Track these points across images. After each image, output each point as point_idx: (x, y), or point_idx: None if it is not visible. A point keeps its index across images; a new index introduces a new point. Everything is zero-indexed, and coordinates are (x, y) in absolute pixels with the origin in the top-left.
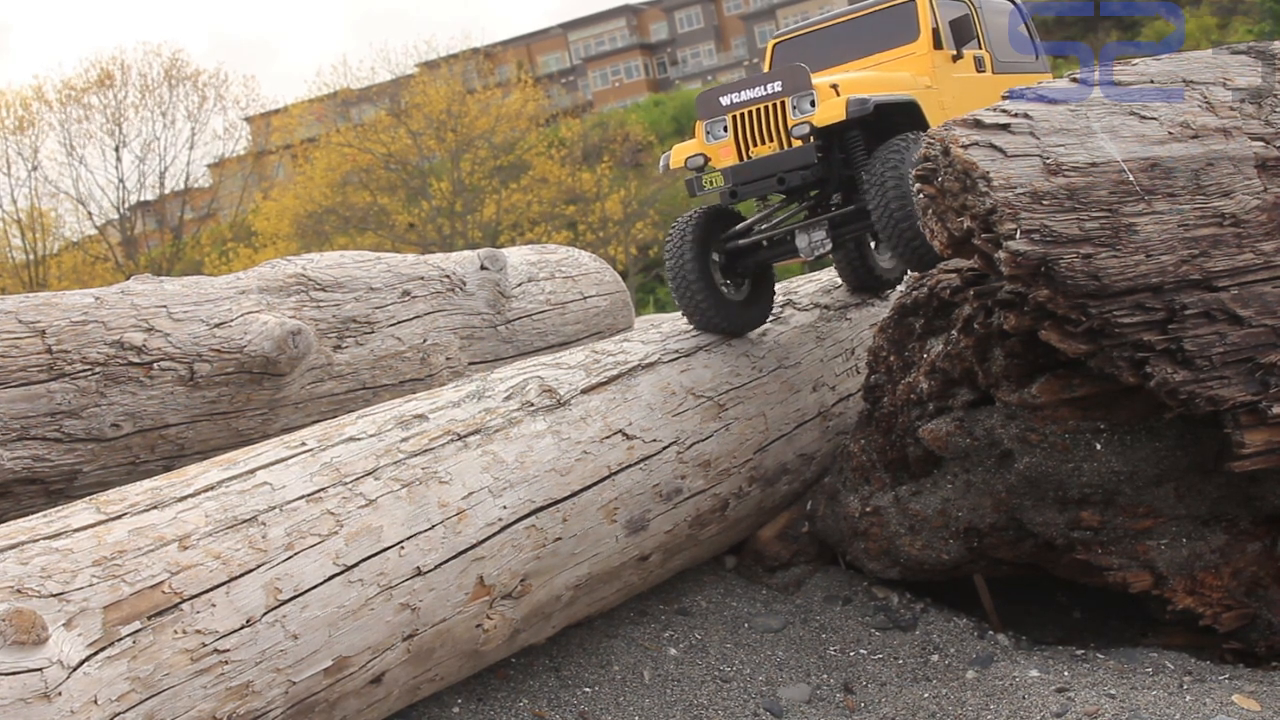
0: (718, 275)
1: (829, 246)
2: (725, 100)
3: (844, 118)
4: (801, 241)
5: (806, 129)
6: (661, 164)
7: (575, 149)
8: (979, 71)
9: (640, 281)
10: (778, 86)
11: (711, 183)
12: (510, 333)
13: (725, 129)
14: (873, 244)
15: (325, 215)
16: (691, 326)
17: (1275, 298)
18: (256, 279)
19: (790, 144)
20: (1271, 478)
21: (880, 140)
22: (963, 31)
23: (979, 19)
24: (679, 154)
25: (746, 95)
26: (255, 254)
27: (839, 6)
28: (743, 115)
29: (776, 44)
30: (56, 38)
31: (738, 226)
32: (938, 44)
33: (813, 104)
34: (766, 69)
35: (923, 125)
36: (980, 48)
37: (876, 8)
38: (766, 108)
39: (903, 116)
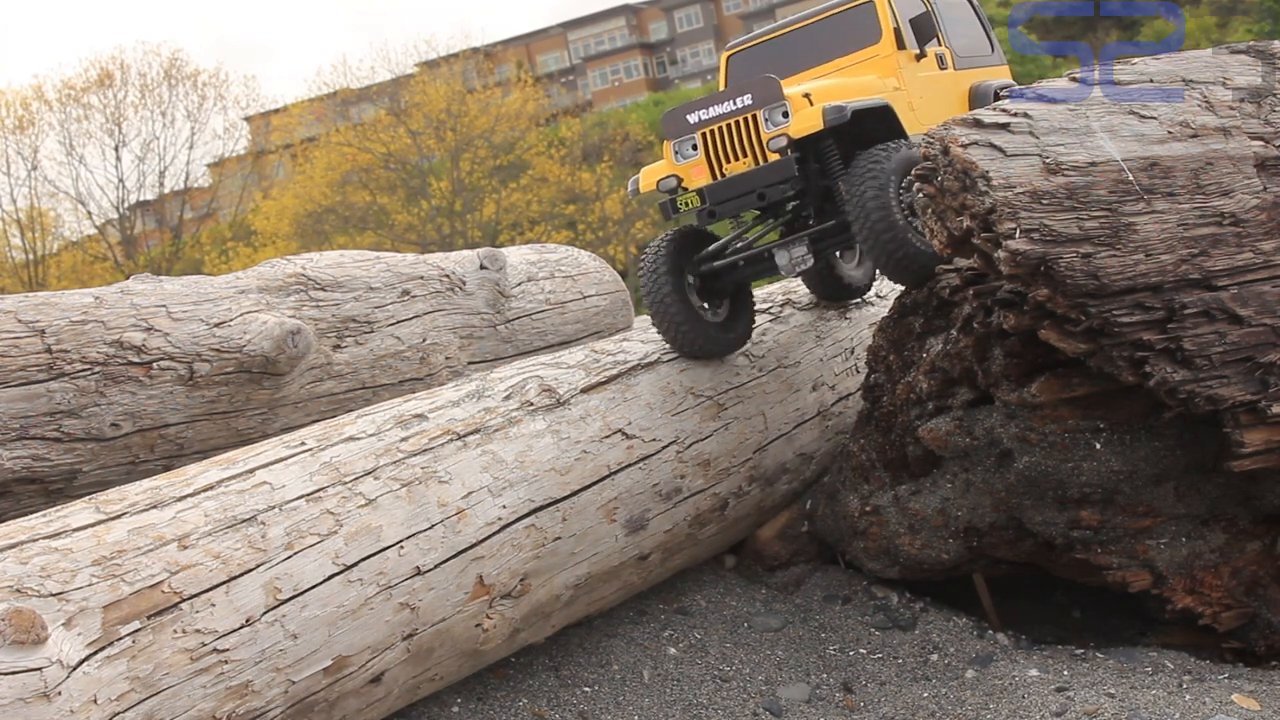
0: (695, 298)
1: (811, 262)
2: (693, 118)
3: (822, 127)
4: (782, 259)
5: (784, 141)
6: (630, 188)
7: (575, 148)
8: (941, 69)
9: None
10: (748, 100)
11: (687, 204)
12: (510, 332)
13: (695, 147)
14: (838, 253)
15: (325, 215)
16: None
17: (1275, 297)
18: (256, 278)
19: (766, 158)
20: (1271, 477)
21: (854, 147)
22: (924, 30)
23: (936, 16)
24: (648, 177)
25: (716, 111)
26: (255, 253)
27: None
28: (713, 132)
29: (730, 56)
30: (56, 38)
31: (712, 247)
32: (900, 44)
33: (785, 115)
34: (722, 82)
35: (896, 128)
36: (940, 45)
37: (834, 11)
38: (737, 122)
39: (875, 121)
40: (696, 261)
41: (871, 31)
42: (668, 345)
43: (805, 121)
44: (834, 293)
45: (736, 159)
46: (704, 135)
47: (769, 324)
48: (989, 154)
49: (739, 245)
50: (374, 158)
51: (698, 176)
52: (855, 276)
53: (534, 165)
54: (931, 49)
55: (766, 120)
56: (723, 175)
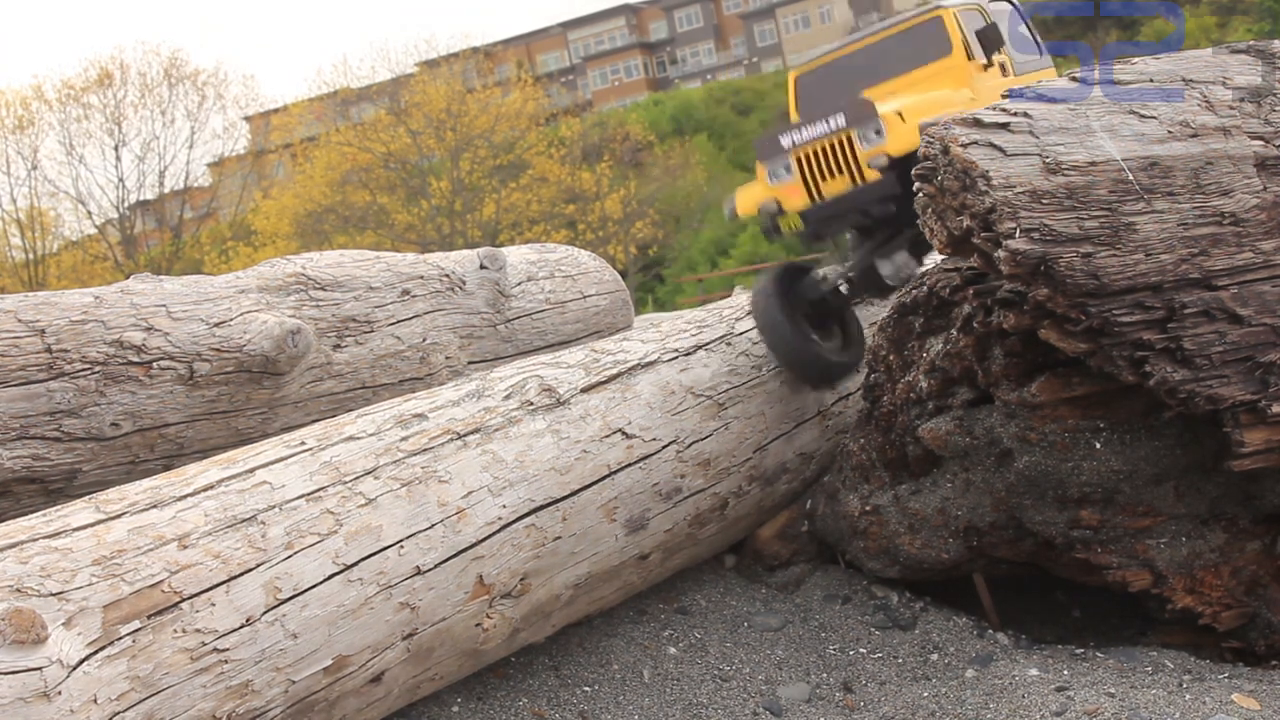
0: (810, 330)
1: (915, 268)
2: (786, 140)
3: (920, 144)
4: (887, 269)
5: (885, 160)
6: (727, 212)
7: (575, 148)
8: (1004, 76)
9: (640, 280)
10: (841, 120)
11: (790, 226)
12: (510, 332)
13: (788, 169)
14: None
15: (325, 214)
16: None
17: (1275, 296)
18: (256, 278)
19: (864, 177)
20: (1271, 476)
21: None
22: (990, 40)
23: (999, 28)
24: (746, 200)
25: (809, 133)
26: (255, 253)
27: (838, 7)
28: (808, 154)
29: (799, 76)
30: (56, 38)
31: (814, 275)
32: (970, 55)
33: (879, 133)
34: (791, 103)
35: None
36: (1001, 54)
37: (902, 26)
38: (832, 143)
39: None
40: (802, 292)
41: (942, 44)
42: (800, 382)
43: (903, 140)
44: (875, 288)
45: (832, 178)
46: (799, 157)
47: None
48: (989, 153)
49: (838, 269)
50: (374, 157)
51: (795, 198)
52: (888, 274)
53: (534, 165)
54: (996, 58)
55: (861, 139)
56: (820, 196)
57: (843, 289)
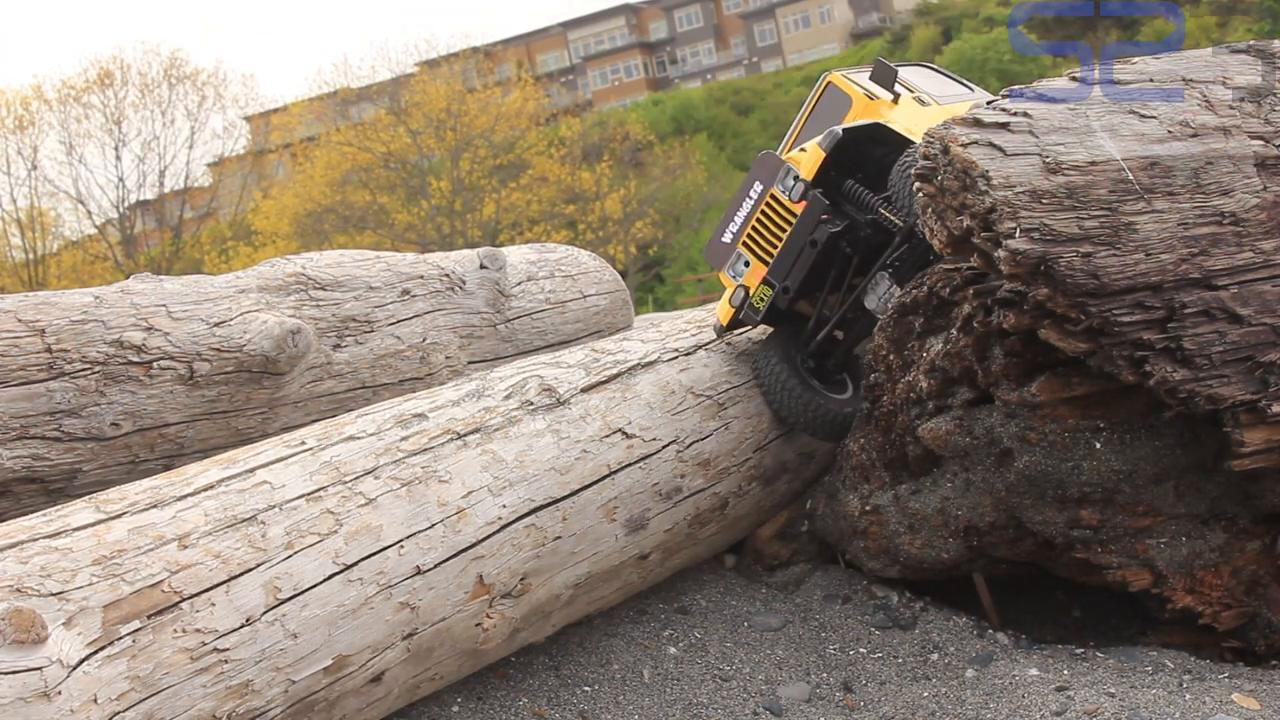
0: (816, 383)
1: (898, 293)
2: (726, 237)
3: (825, 155)
4: (871, 301)
5: (801, 187)
6: (715, 330)
7: (575, 148)
8: (924, 106)
9: (640, 280)
10: (759, 186)
11: (762, 298)
12: (510, 332)
13: (743, 260)
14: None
15: (325, 214)
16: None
17: (1275, 296)
18: (256, 278)
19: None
20: (1271, 476)
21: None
22: (882, 76)
23: (890, 68)
24: (724, 310)
25: (741, 216)
26: (255, 253)
27: (838, 7)
28: (750, 236)
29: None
30: (56, 38)
31: (810, 328)
32: (871, 96)
33: (795, 177)
34: None
35: (902, 141)
36: (910, 91)
37: (810, 108)
38: (764, 212)
39: (875, 145)
40: (802, 347)
41: (843, 101)
42: (814, 438)
43: (810, 161)
44: (869, 325)
45: (781, 241)
46: (745, 244)
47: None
48: (989, 153)
49: (830, 317)
50: (374, 157)
51: (757, 277)
52: (875, 306)
53: (534, 165)
54: (904, 94)
55: (785, 192)
56: None
57: (838, 335)
